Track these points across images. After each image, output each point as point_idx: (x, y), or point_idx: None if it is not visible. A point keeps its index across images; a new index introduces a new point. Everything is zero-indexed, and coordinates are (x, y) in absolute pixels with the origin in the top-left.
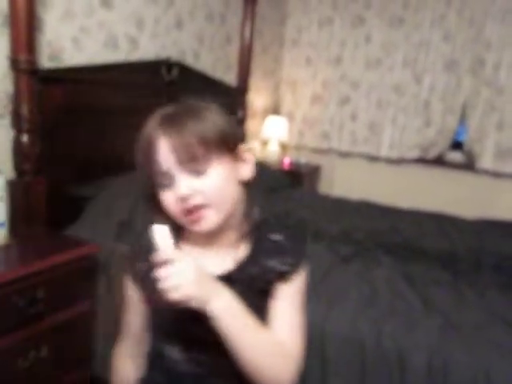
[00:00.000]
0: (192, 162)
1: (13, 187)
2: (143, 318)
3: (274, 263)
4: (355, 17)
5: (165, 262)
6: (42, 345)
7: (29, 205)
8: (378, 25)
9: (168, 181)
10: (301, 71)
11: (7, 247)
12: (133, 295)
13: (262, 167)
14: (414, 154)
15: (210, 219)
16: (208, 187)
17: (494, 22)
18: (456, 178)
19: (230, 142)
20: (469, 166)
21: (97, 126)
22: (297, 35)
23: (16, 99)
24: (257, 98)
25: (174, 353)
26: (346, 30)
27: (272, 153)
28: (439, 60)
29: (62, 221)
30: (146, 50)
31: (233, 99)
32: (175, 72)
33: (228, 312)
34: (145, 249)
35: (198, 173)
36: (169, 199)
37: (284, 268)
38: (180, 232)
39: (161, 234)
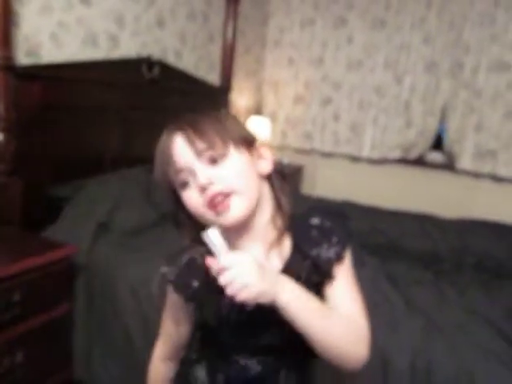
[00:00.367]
0: (209, 150)
1: None
2: (177, 324)
3: (321, 250)
4: (337, 18)
5: (225, 267)
6: (17, 350)
7: (4, 206)
8: (359, 26)
9: (188, 176)
10: (283, 72)
11: None
12: (178, 310)
13: None
14: (396, 154)
15: (235, 207)
16: (227, 173)
17: (473, 26)
18: (436, 178)
19: (246, 140)
20: (449, 166)
21: (75, 125)
22: (279, 36)
23: None
24: (239, 98)
25: (242, 360)
26: (328, 30)
27: None
28: (419, 62)
29: (39, 222)
30: (127, 48)
31: (215, 99)
32: (156, 71)
33: (297, 300)
34: (192, 264)
35: (215, 162)
36: (191, 196)
37: (332, 251)
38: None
39: (214, 237)
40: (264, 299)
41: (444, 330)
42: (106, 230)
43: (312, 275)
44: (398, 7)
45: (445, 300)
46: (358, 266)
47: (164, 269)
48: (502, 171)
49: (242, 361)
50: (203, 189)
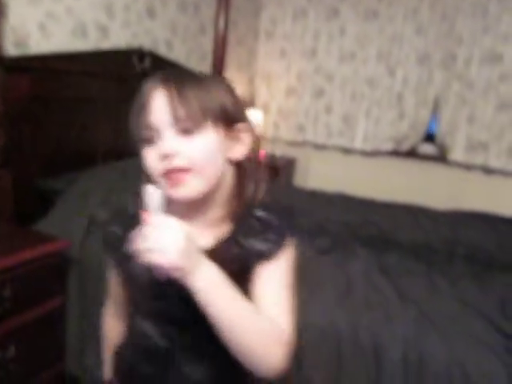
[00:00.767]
0: (187, 120)
1: None
2: (119, 284)
3: (256, 242)
4: (330, 9)
5: (154, 223)
6: (9, 345)
7: None
8: (352, 17)
9: (155, 135)
10: (275, 63)
11: None
12: (111, 261)
13: None
14: (388, 146)
15: (190, 185)
16: (195, 150)
17: (466, 17)
18: (428, 170)
19: (228, 117)
20: (441, 158)
21: (65, 117)
22: (271, 27)
23: None
24: None
25: (147, 326)
26: (321, 22)
27: None
28: (412, 54)
29: (30, 216)
30: (117, 39)
31: None
32: (147, 62)
33: (213, 285)
34: (126, 212)
35: (188, 133)
36: (152, 157)
37: (265, 246)
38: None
39: (153, 194)
40: (177, 274)
41: (436, 321)
42: (99, 224)
43: (239, 264)
44: None
45: (437, 291)
46: (350, 258)
47: (104, 213)
48: (494, 163)
49: (148, 328)
50: (165, 157)
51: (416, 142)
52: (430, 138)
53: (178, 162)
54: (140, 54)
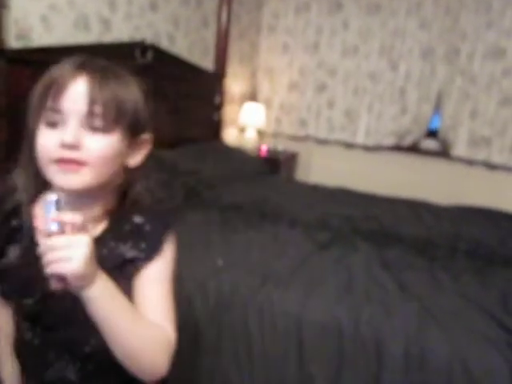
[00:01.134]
0: (101, 118)
1: None
2: None
3: (125, 248)
4: (332, 3)
5: (58, 232)
6: None
7: None
8: (355, 11)
9: (60, 120)
10: (278, 58)
11: None
12: None
13: (239, 154)
14: (390, 141)
15: (80, 176)
16: (97, 149)
17: (469, 12)
18: (431, 166)
19: (137, 127)
20: (443, 153)
21: None
22: (274, 21)
23: None
24: (234, 84)
25: (20, 320)
26: (323, 16)
27: (249, 140)
28: (415, 48)
29: None
30: (119, 32)
31: (209, 85)
32: (150, 55)
33: (107, 295)
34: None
35: (95, 130)
36: (49, 141)
37: (134, 253)
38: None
39: (53, 202)
40: (77, 284)
41: (438, 316)
42: None
43: (110, 264)
44: None
45: (439, 286)
46: (352, 252)
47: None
48: (496, 158)
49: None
50: (65, 146)
51: (418, 137)
52: (432, 133)
53: (77, 155)
54: (142, 47)
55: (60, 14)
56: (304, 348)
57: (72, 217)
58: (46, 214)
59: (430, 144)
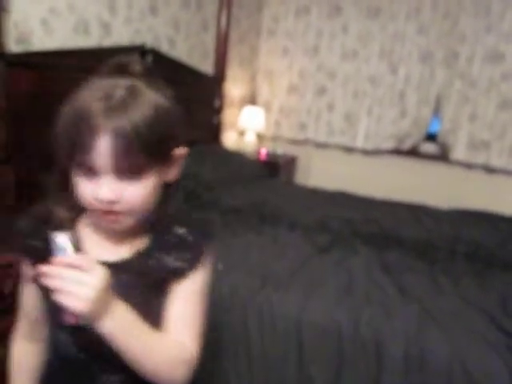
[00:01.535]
0: (130, 171)
1: None
2: (36, 299)
3: (170, 259)
4: (332, 7)
5: (74, 264)
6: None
7: None
8: (354, 15)
9: (92, 174)
10: (277, 61)
11: None
12: (27, 274)
13: (238, 157)
14: (389, 144)
15: (124, 224)
16: (136, 197)
17: (468, 16)
18: (430, 169)
19: (171, 147)
20: (442, 157)
21: None
22: (273, 25)
23: None
24: (233, 88)
25: (64, 337)
26: (323, 19)
27: (249, 143)
28: (414, 52)
29: None
30: (119, 36)
31: (209, 88)
32: (149, 59)
33: (120, 330)
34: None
35: (130, 179)
36: (88, 193)
37: (178, 264)
38: (80, 214)
39: (63, 242)
40: (85, 320)
41: (438, 318)
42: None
43: (154, 278)
44: None
45: (438, 288)
46: (352, 255)
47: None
48: (495, 162)
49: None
50: (103, 201)
51: (418, 140)
52: (431, 136)
53: (118, 208)
54: (142, 51)
55: (60, 17)
56: (304, 349)
57: (87, 257)
58: (60, 252)
59: (430, 147)
